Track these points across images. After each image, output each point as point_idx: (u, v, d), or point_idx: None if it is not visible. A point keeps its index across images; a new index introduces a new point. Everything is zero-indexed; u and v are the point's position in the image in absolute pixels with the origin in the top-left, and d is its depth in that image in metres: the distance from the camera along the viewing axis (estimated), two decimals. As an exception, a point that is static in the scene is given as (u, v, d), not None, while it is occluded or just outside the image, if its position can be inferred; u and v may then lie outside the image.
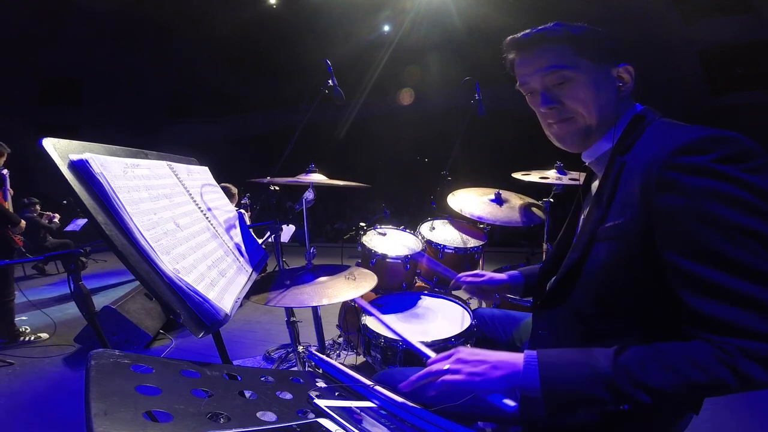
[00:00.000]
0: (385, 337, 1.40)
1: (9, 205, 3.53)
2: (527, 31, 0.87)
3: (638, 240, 0.73)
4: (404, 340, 0.99)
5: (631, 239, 0.74)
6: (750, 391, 0.66)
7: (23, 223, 3.33)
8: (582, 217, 0.96)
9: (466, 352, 0.79)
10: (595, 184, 0.92)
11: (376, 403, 0.81)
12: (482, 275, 1.28)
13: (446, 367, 0.77)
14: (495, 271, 2.22)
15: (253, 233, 1.63)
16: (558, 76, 0.83)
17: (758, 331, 0.61)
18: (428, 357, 0.87)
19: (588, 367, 0.69)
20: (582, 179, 1.07)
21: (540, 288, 1.05)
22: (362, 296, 1.47)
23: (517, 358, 0.75)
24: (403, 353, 1.40)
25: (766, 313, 0.61)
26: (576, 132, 0.87)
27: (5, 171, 3.51)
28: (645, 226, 0.72)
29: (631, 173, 0.76)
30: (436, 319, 1.53)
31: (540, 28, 0.86)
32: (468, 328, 1.37)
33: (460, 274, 1.33)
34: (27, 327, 3.51)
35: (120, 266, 0.77)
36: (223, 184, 3.94)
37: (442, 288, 2.01)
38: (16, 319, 3.40)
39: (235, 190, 4.31)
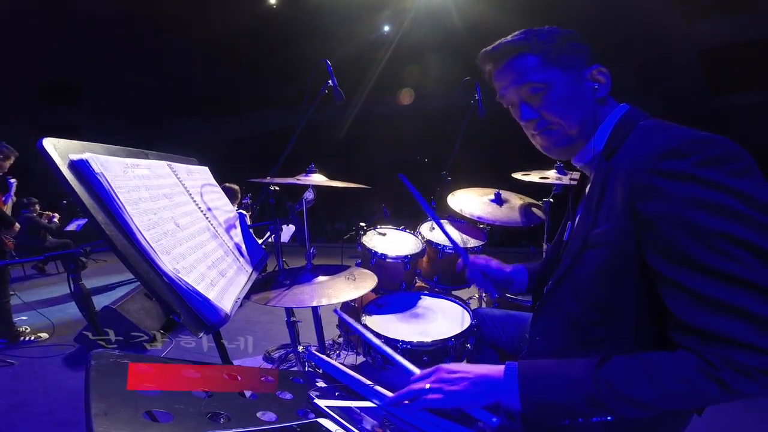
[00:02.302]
0: (385, 337, 1.40)
1: (8, 208, 3.58)
2: (497, 43, 0.87)
3: (625, 246, 0.72)
4: (387, 355, 0.99)
5: (618, 246, 0.73)
6: (736, 399, 0.65)
7: (17, 226, 3.32)
8: (574, 222, 0.96)
9: (445, 369, 0.79)
10: (588, 188, 0.92)
11: (376, 403, 0.81)
12: (490, 265, 1.22)
13: (427, 386, 0.77)
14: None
15: (253, 233, 1.63)
16: (531, 88, 0.83)
17: (744, 341, 0.60)
18: (411, 373, 0.87)
19: (568, 380, 0.69)
20: (579, 178, 1.07)
21: (537, 293, 1.05)
22: (362, 296, 1.47)
23: (497, 372, 0.75)
24: (403, 353, 1.40)
25: (754, 322, 0.59)
26: (558, 141, 0.87)
27: (13, 180, 3.64)
28: (631, 233, 0.71)
29: (616, 178, 0.76)
30: (436, 319, 1.53)
31: (508, 39, 0.86)
32: (468, 328, 1.37)
33: (473, 257, 1.26)
34: (27, 327, 3.51)
35: (120, 266, 0.77)
36: (226, 184, 3.95)
37: (442, 288, 2.01)
38: (15, 319, 3.40)
39: (238, 190, 4.31)
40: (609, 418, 0.69)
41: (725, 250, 0.61)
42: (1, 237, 3.15)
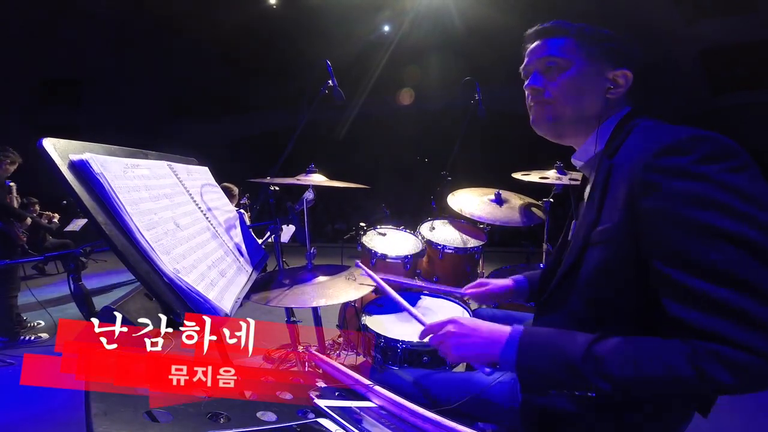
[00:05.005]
0: (385, 337, 1.40)
1: None
2: (551, 21, 0.91)
3: (627, 243, 0.73)
4: (402, 306, 1.05)
5: (620, 243, 0.74)
6: (712, 393, 0.68)
7: (29, 220, 3.35)
8: (577, 221, 0.97)
9: (456, 325, 0.84)
10: (589, 188, 0.93)
11: (376, 403, 0.81)
12: (486, 284, 1.25)
13: (437, 336, 0.86)
14: (495, 272, 2.22)
15: (252, 233, 1.63)
16: (549, 61, 0.88)
17: (730, 337, 0.60)
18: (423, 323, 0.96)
19: (562, 351, 0.71)
20: (581, 179, 1.07)
21: (541, 293, 1.05)
22: (362, 297, 1.47)
23: (503, 333, 0.78)
24: (403, 353, 1.40)
25: (741, 320, 0.59)
26: (549, 117, 0.89)
27: (12, 184, 3.70)
28: (632, 230, 0.72)
29: (618, 176, 0.77)
30: (435, 319, 1.53)
31: (557, 20, 0.90)
32: (468, 328, 1.36)
33: (462, 289, 1.30)
34: (41, 321, 3.50)
35: (120, 266, 0.77)
36: (224, 184, 3.95)
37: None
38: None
39: (236, 190, 4.31)
40: (592, 394, 0.69)
41: (722, 247, 0.61)
42: (15, 231, 3.17)
